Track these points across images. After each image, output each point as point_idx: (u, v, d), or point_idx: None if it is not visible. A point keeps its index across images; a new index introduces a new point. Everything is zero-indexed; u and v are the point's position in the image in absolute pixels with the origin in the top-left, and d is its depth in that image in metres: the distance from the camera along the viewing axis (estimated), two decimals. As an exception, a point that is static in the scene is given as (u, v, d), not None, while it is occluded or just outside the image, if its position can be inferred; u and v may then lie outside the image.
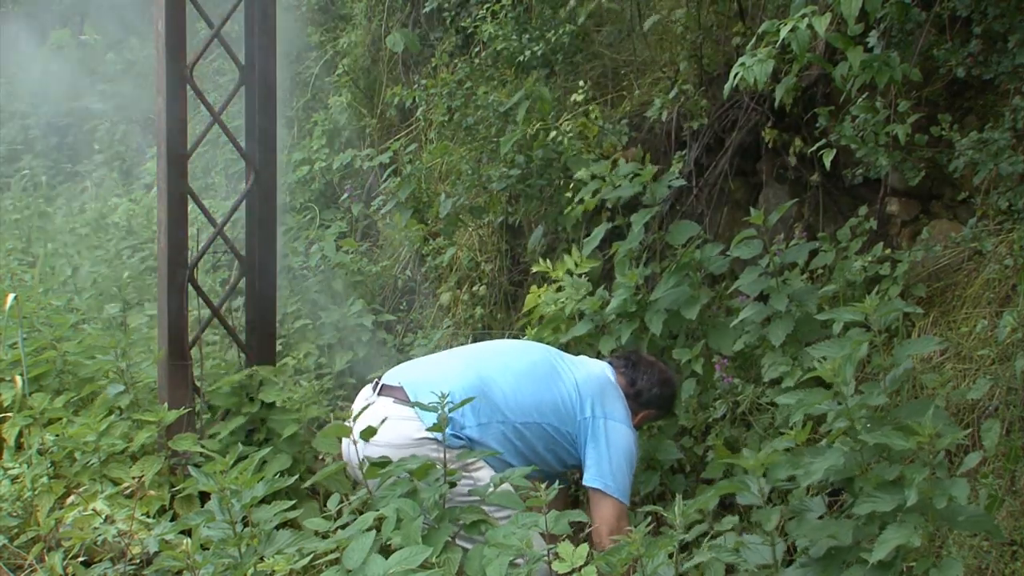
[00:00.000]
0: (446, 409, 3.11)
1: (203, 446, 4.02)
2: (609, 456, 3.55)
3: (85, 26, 10.68)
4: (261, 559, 2.73)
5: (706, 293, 4.37)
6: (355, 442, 3.27)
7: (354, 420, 3.33)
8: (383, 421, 3.37)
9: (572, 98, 5.18)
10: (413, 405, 3.39)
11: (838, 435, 2.87)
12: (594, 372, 3.75)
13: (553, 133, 5.13)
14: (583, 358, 3.90)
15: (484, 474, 3.41)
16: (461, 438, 3.44)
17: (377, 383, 3.67)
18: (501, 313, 5.92)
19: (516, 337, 5.25)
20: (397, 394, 3.56)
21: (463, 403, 3.26)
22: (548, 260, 4.87)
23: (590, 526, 3.09)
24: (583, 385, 3.66)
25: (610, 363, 3.89)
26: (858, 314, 2.96)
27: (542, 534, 2.78)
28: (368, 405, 3.50)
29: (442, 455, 3.18)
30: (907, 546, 2.54)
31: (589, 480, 3.56)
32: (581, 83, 5.21)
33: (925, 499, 2.58)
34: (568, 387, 3.64)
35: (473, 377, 3.54)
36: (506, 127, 5.57)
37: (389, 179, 6.69)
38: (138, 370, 4.45)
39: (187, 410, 4.13)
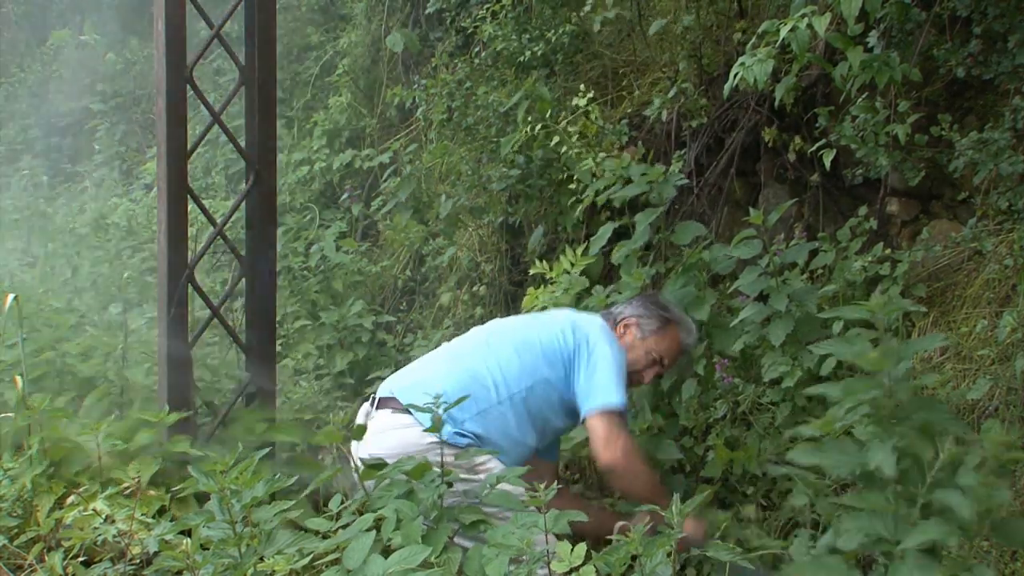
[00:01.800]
0: (440, 410, 3.10)
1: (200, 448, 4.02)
2: (594, 372, 3.57)
3: (85, 26, 10.69)
4: (261, 559, 2.73)
5: (712, 294, 4.36)
6: (362, 462, 3.26)
7: (356, 437, 3.36)
8: (370, 419, 3.40)
9: (574, 102, 5.18)
10: (409, 407, 3.39)
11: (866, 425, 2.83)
12: (566, 311, 3.85)
13: (556, 139, 5.13)
14: (556, 310, 4.00)
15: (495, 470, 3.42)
16: (466, 434, 3.44)
17: (373, 398, 3.68)
18: (501, 313, 5.92)
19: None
20: (393, 404, 3.57)
21: (456, 403, 3.25)
22: (548, 261, 4.87)
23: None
24: (562, 321, 3.71)
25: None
26: (864, 313, 2.95)
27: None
28: (368, 421, 3.54)
29: (451, 457, 3.19)
30: (941, 543, 2.51)
31: (584, 411, 3.57)
32: (582, 87, 5.22)
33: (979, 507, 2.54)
34: (550, 332, 3.67)
35: (461, 372, 3.55)
36: (506, 127, 5.57)
37: (389, 179, 6.70)
38: (138, 371, 4.45)
39: (189, 413, 4.14)
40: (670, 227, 4.58)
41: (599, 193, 4.71)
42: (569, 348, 3.62)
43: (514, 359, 3.61)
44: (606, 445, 3.45)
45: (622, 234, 4.65)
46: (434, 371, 3.56)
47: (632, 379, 3.78)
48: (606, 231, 4.68)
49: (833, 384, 2.97)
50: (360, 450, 3.41)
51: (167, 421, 4.04)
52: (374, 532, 2.79)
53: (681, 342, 3.89)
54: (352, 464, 3.49)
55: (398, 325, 6.41)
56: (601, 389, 3.53)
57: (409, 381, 3.60)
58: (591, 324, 3.72)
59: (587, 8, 5.59)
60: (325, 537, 2.90)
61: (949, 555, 2.54)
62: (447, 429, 3.22)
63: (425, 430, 3.24)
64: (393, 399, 3.58)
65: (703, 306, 4.22)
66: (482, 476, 3.32)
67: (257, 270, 4.48)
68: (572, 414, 3.68)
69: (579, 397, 3.58)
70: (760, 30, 3.60)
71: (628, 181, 4.62)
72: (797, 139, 4.62)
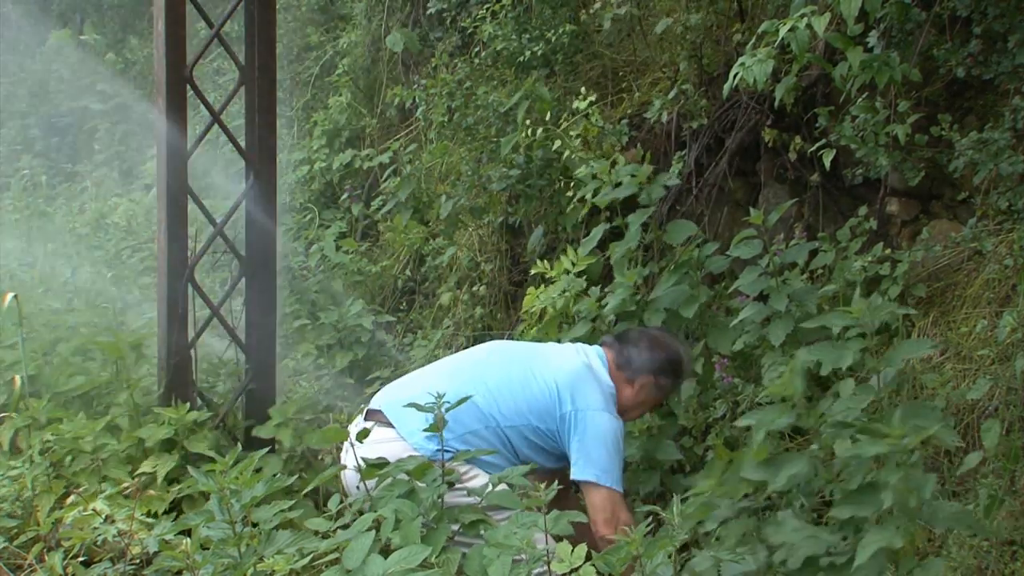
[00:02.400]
0: (437, 412, 3.09)
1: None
2: (593, 446, 3.51)
3: (85, 26, 10.69)
4: (261, 559, 2.73)
5: (705, 292, 4.36)
6: (359, 469, 3.25)
7: (345, 450, 3.37)
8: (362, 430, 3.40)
9: (574, 105, 5.18)
10: (408, 405, 3.37)
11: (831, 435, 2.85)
12: (568, 363, 3.68)
13: (558, 143, 5.13)
14: (560, 348, 3.86)
15: (479, 483, 3.40)
16: (449, 451, 3.42)
17: (364, 410, 3.68)
18: (501, 313, 5.92)
19: (512, 337, 5.25)
20: (379, 418, 3.56)
21: (457, 404, 3.23)
22: (548, 260, 4.87)
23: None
24: (560, 379, 3.60)
25: (601, 343, 3.85)
26: (848, 320, 2.93)
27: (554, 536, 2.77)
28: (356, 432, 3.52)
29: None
30: (890, 548, 2.52)
31: (577, 474, 3.53)
32: (583, 90, 5.21)
33: (903, 500, 2.56)
34: (546, 383, 3.59)
35: (452, 392, 3.43)
36: (506, 127, 5.57)
37: (389, 179, 6.69)
38: (137, 372, 4.44)
39: (209, 415, 4.15)
40: (665, 227, 4.58)
41: (595, 194, 4.71)
42: (565, 411, 3.55)
43: (506, 393, 3.57)
44: (607, 521, 3.43)
45: (620, 234, 4.65)
46: (426, 388, 3.46)
47: (632, 415, 3.80)
48: (597, 232, 4.68)
49: (752, 412, 2.98)
50: (348, 461, 3.39)
51: (186, 420, 4.04)
52: (374, 532, 2.79)
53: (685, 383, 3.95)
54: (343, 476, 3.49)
55: (398, 325, 6.41)
56: (600, 465, 3.50)
57: (400, 396, 3.56)
58: (594, 390, 3.61)
59: (597, 6, 5.58)
60: (325, 537, 2.90)
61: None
62: (432, 446, 3.21)
63: (424, 429, 3.24)
64: (381, 413, 3.58)
65: (693, 304, 4.21)
66: (468, 486, 3.32)
67: (257, 270, 4.48)
68: (562, 459, 3.64)
69: (573, 460, 3.54)
70: (760, 30, 3.60)
71: (620, 183, 4.62)
72: (797, 139, 4.61)
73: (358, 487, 3.24)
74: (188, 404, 4.15)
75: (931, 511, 2.60)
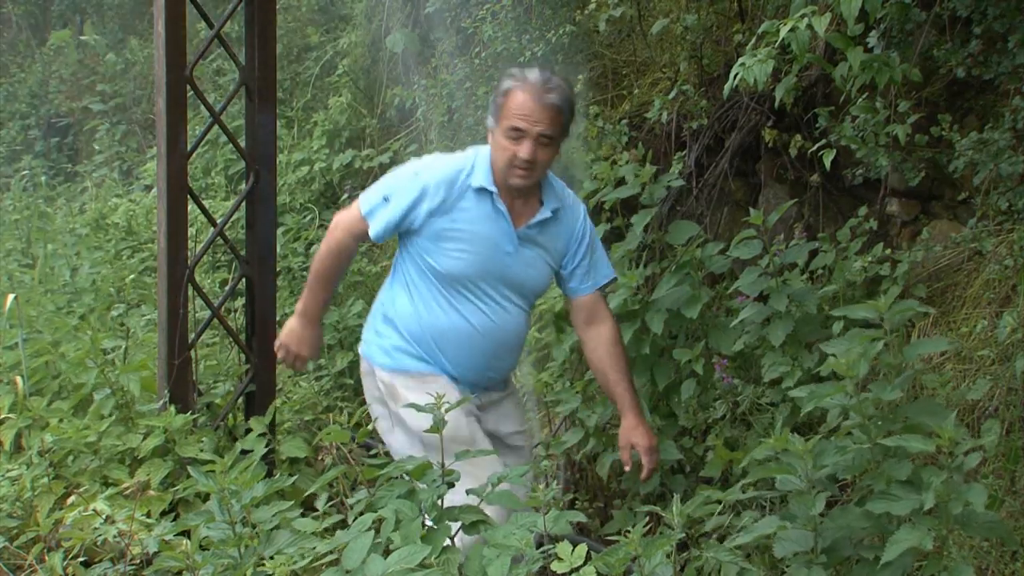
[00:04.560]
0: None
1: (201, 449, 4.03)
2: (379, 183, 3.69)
3: (85, 26, 10.70)
4: (261, 559, 2.73)
5: (707, 292, 4.36)
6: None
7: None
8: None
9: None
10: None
11: (852, 427, 2.85)
12: None
13: None
14: None
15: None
16: (394, 353, 3.50)
17: None
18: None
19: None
20: None
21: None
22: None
23: None
24: None
25: None
26: (871, 312, 2.94)
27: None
28: None
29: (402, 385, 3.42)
30: (918, 548, 2.53)
31: None
32: (579, 89, 5.20)
33: (941, 503, 2.57)
34: None
35: (386, 282, 3.70)
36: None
37: (389, 179, 6.69)
38: (137, 374, 4.44)
39: (193, 416, 4.15)
40: (667, 228, 4.57)
41: (594, 194, 4.71)
42: None
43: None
44: (332, 227, 3.79)
45: (620, 235, 4.65)
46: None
47: (502, 157, 3.42)
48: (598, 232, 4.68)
49: (803, 387, 2.98)
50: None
51: (175, 425, 4.04)
52: (373, 532, 2.79)
53: (518, 92, 3.38)
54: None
55: (398, 325, 6.40)
56: (367, 191, 3.73)
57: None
58: (433, 160, 3.68)
59: (592, 6, 5.59)
60: (325, 538, 2.90)
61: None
62: (378, 356, 3.47)
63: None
64: None
65: (696, 305, 4.20)
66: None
67: (257, 270, 4.48)
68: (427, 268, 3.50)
69: None
70: (760, 30, 3.60)
71: (621, 182, 4.62)
72: (797, 139, 4.61)
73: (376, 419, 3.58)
74: (175, 409, 4.15)
75: (965, 518, 2.60)
